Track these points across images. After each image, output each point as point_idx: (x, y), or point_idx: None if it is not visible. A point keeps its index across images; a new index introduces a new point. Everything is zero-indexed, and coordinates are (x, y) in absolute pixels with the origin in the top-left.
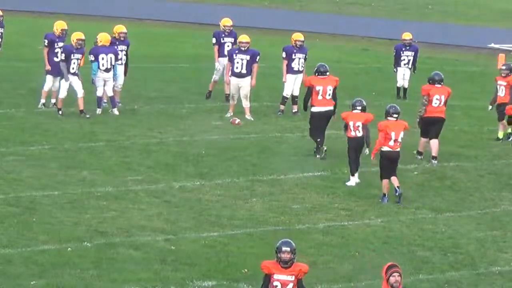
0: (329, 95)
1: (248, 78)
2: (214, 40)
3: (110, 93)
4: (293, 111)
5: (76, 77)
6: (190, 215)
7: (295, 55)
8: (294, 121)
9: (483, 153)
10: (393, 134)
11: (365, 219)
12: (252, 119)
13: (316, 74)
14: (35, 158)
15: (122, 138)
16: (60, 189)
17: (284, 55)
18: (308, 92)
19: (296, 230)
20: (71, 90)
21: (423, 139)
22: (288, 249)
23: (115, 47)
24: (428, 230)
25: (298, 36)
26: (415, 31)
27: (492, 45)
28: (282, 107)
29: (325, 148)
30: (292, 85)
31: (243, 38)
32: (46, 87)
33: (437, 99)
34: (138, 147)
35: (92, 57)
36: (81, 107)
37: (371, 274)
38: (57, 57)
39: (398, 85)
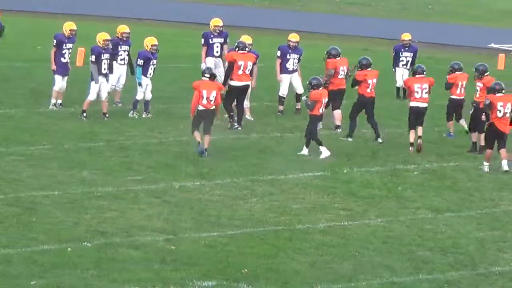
0: (249, 70)
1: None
2: (202, 41)
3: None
4: (296, 107)
5: (105, 79)
6: (190, 215)
7: (289, 55)
8: (294, 121)
9: (483, 153)
10: (205, 93)
11: (365, 219)
12: (252, 119)
13: (237, 49)
14: (35, 158)
15: (122, 138)
16: (60, 189)
17: (278, 53)
18: (229, 67)
19: (296, 230)
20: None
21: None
22: None
23: (119, 47)
24: (428, 230)
25: (292, 37)
26: (415, 31)
27: (492, 45)
28: (280, 107)
29: (239, 128)
30: (287, 84)
31: (246, 39)
32: (56, 87)
33: (342, 70)
34: (138, 147)
35: (141, 62)
36: (105, 110)
37: (371, 274)
38: (64, 58)
39: (397, 85)
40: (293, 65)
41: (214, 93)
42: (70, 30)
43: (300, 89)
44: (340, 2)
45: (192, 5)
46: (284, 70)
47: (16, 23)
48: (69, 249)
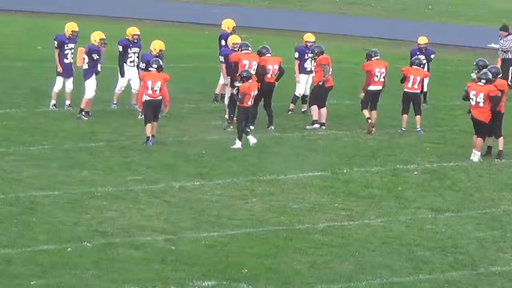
0: (254, 70)
1: None
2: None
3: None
4: (302, 110)
5: (95, 77)
6: (190, 215)
7: (307, 55)
8: (294, 121)
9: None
10: (149, 83)
11: (365, 219)
12: None
13: (239, 50)
14: (35, 158)
15: (122, 138)
16: (60, 189)
17: (296, 55)
18: (235, 67)
19: (296, 230)
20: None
21: (316, 108)
22: None
23: (128, 49)
24: (428, 230)
25: (308, 37)
26: (415, 31)
27: (492, 45)
28: (292, 106)
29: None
30: (304, 84)
31: (235, 39)
32: (56, 89)
33: (331, 67)
34: (138, 147)
35: (143, 65)
36: (87, 108)
37: (371, 274)
38: (67, 59)
39: None
40: (311, 64)
41: (159, 84)
42: (72, 32)
43: (307, 91)
44: (340, 2)
45: (192, 5)
46: (302, 70)
47: (16, 23)
48: (69, 249)
